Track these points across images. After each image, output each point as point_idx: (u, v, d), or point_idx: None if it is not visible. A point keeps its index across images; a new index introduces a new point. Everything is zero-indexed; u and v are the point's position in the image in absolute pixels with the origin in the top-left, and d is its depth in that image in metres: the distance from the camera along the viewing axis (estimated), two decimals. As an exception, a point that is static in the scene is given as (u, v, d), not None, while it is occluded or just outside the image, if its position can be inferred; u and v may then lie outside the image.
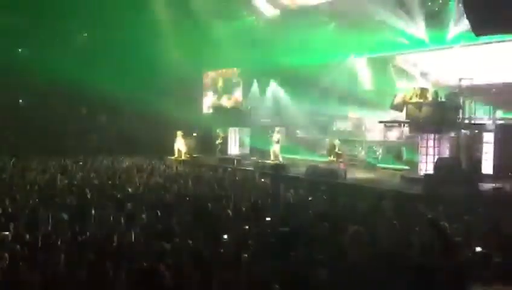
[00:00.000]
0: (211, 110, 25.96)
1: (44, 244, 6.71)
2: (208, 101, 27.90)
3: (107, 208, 9.29)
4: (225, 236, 7.17)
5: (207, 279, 5.32)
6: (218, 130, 23.15)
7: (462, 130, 15.43)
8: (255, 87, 25.15)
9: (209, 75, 28.71)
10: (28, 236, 7.00)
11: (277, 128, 20.47)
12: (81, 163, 18.37)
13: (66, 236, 7.15)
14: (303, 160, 20.54)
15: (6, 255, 5.85)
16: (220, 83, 28.04)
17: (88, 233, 7.44)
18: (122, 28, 23.53)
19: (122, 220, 8.16)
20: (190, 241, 6.72)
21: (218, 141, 22.96)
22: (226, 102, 24.56)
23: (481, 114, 16.11)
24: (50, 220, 8.02)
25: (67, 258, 6.03)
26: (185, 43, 24.37)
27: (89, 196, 10.74)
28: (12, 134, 24.42)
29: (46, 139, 23.53)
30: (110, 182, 13.52)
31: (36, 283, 5.31)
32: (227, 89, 26.83)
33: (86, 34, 28.55)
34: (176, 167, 18.19)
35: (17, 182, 13.27)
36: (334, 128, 21.81)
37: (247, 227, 7.92)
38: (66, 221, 8.12)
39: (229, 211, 8.99)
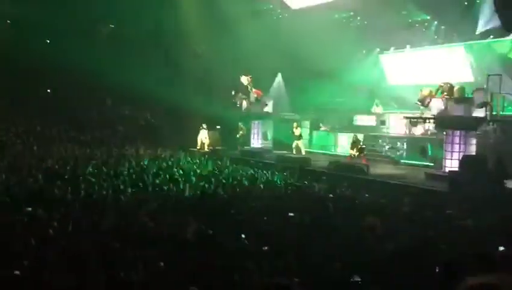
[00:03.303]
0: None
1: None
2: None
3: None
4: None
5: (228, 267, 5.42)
6: (240, 123, 23.08)
7: (489, 127, 15.17)
8: (278, 79, 25.08)
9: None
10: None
11: (300, 122, 20.40)
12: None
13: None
14: (326, 154, 20.49)
15: None
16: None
17: None
18: (152, 22, 23.76)
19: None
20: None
21: (240, 134, 22.89)
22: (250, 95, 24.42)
23: (508, 111, 15.80)
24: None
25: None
26: (211, 37, 24.44)
27: None
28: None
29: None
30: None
31: None
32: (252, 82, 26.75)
33: (112, 26, 28.80)
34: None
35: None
36: (358, 123, 21.63)
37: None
38: None
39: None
